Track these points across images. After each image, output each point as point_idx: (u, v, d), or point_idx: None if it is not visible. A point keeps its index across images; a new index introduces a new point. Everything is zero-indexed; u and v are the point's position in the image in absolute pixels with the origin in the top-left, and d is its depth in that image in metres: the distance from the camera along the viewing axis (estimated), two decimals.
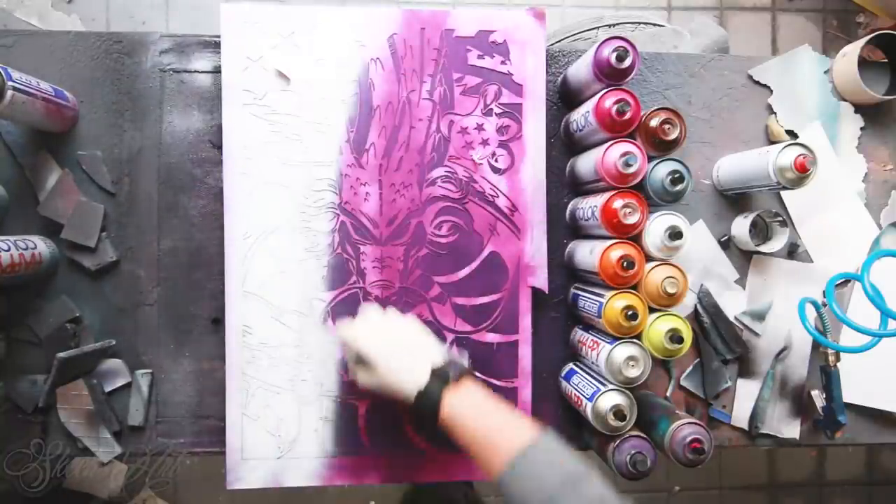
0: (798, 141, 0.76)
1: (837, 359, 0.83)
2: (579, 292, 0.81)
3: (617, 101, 0.71)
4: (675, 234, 0.72)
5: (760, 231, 0.86)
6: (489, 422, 0.61)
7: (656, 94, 0.87)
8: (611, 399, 0.71)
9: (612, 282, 0.73)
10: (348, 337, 0.70)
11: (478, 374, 0.81)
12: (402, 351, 0.68)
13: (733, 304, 0.87)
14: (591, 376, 0.77)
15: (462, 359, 0.80)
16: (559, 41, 1.14)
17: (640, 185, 0.74)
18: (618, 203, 0.72)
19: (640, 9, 1.84)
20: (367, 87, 0.79)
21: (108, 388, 0.80)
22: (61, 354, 0.74)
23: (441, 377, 0.64)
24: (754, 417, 0.86)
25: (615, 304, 0.72)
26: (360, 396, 0.79)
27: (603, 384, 0.73)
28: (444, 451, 0.80)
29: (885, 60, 0.91)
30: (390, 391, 0.67)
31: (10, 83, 0.66)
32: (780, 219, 0.84)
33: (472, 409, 0.62)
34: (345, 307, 0.79)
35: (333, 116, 0.79)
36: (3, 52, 0.80)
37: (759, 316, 0.87)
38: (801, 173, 0.73)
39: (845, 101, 0.89)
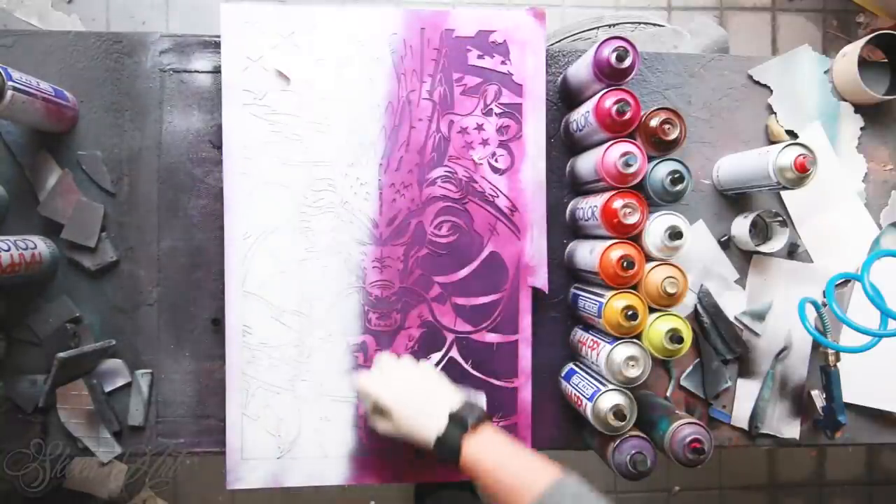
0: (798, 141, 0.76)
1: (837, 359, 0.83)
2: (579, 292, 0.81)
3: (617, 101, 0.71)
4: (675, 234, 0.72)
5: (760, 231, 0.86)
6: (510, 466, 0.62)
7: (656, 94, 0.87)
8: (611, 399, 0.71)
9: (612, 282, 0.73)
10: (365, 388, 0.71)
11: (478, 373, 0.81)
12: (419, 398, 0.68)
13: (733, 304, 0.87)
14: (591, 376, 0.77)
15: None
16: (559, 41, 1.14)
17: (640, 185, 0.74)
18: (618, 203, 0.72)
19: (640, 9, 1.84)
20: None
21: (108, 388, 0.80)
22: (61, 354, 0.74)
23: (459, 422, 0.64)
24: (754, 417, 0.86)
25: (615, 304, 0.72)
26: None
27: (603, 384, 0.73)
28: None
29: (885, 60, 0.91)
30: (410, 439, 0.67)
31: (10, 83, 0.66)
32: (780, 219, 0.84)
33: (492, 454, 0.63)
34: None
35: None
36: (3, 52, 0.80)
37: (759, 316, 0.87)
38: (801, 173, 0.73)
39: (845, 101, 0.89)
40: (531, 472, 0.60)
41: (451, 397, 0.68)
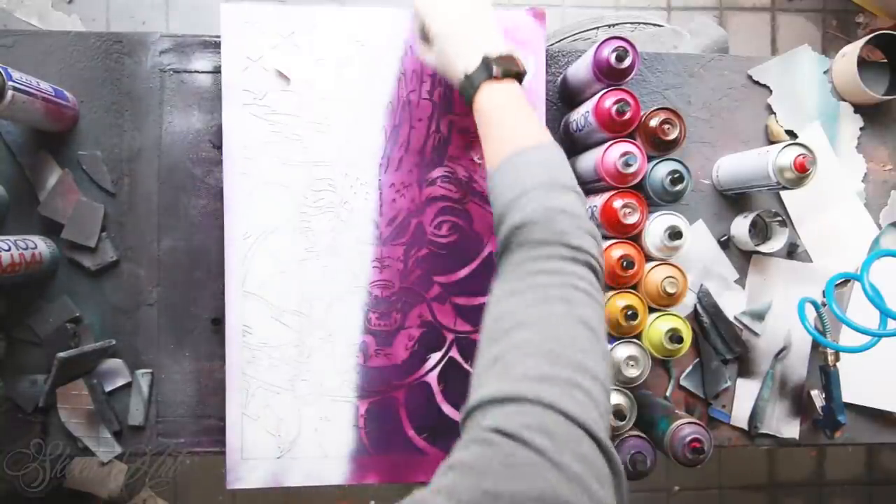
0: (798, 141, 0.76)
1: (837, 359, 0.83)
2: None
3: (617, 101, 0.71)
4: (675, 234, 0.72)
5: (760, 231, 0.86)
6: (507, 119, 0.60)
7: (656, 94, 0.87)
8: (611, 399, 0.71)
9: (612, 282, 0.73)
10: (420, 7, 0.69)
11: None
12: (462, 30, 0.66)
13: (733, 304, 0.87)
14: None
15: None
16: (559, 41, 1.14)
17: (640, 185, 0.74)
18: (618, 203, 0.72)
19: (640, 9, 1.84)
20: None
21: (108, 388, 0.80)
22: (61, 354, 0.74)
23: (488, 68, 0.62)
24: (754, 417, 0.86)
25: (615, 303, 0.72)
26: (362, 396, 0.80)
27: None
28: (444, 452, 0.80)
29: (885, 60, 0.91)
30: (443, 71, 0.67)
31: (10, 83, 0.66)
32: (779, 219, 0.84)
33: (497, 105, 0.61)
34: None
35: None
36: (3, 52, 0.80)
37: (759, 316, 0.87)
38: (801, 173, 0.73)
39: (845, 101, 0.89)
40: (521, 131, 0.59)
41: (493, 41, 0.65)
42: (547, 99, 0.83)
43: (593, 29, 1.12)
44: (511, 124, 0.60)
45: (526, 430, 0.38)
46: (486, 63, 0.62)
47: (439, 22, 0.67)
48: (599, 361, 0.45)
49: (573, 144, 0.83)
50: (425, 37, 0.69)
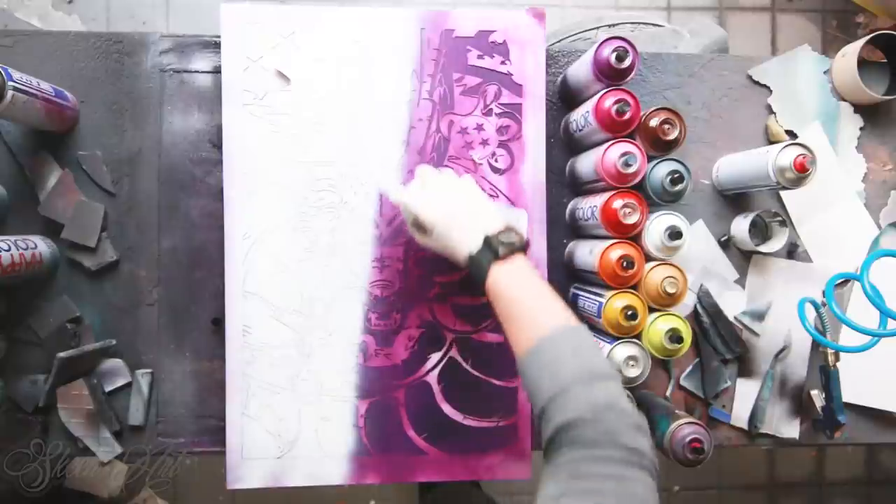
0: (797, 141, 0.76)
1: (837, 359, 0.83)
2: (579, 292, 0.81)
3: (617, 101, 0.71)
4: (675, 234, 0.72)
5: (760, 231, 0.86)
6: (524, 301, 0.61)
7: (656, 94, 0.87)
8: None
9: (612, 282, 0.73)
10: (404, 201, 0.70)
11: (478, 373, 0.81)
12: (457, 215, 0.67)
13: (733, 304, 0.87)
14: None
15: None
16: (559, 41, 1.14)
17: (640, 185, 0.74)
18: (618, 203, 0.72)
19: (640, 9, 1.84)
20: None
21: (108, 388, 0.80)
22: (61, 354, 0.74)
23: (492, 247, 0.63)
24: (754, 417, 0.86)
25: (615, 303, 0.72)
26: (362, 396, 0.79)
27: None
28: (444, 452, 0.80)
29: (885, 60, 0.91)
30: (445, 254, 0.68)
31: (10, 83, 0.66)
32: (779, 219, 0.84)
33: (514, 285, 0.62)
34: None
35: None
36: (4, 52, 0.80)
37: (759, 316, 0.87)
38: (801, 173, 0.73)
39: (845, 101, 0.89)
40: (541, 313, 0.59)
41: (491, 219, 0.66)
42: (547, 99, 0.83)
43: (593, 29, 1.12)
44: (530, 306, 0.60)
45: None
46: (489, 243, 0.63)
47: (433, 215, 0.67)
48: None
49: (573, 144, 0.83)
50: (419, 225, 0.70)
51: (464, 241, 0.65)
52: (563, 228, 0.85)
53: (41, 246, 0.76)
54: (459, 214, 0.67)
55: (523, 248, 0.65)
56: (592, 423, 0.50)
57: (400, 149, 0.80)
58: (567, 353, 0.55)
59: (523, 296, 0.61)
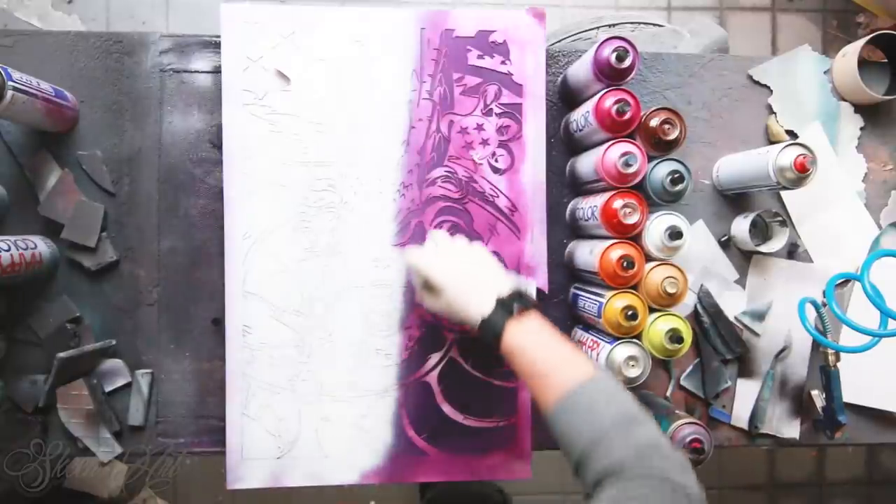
0: (798, 141, 0.76)
1: (837, 359, 0.83)
2: (579, 292, 0.81)
3: (617, 101, 0.71)
4: (675, 234, 0.72)
5: (760, 231, 0.86)
6: (548, 356, 0.61)
7: (656, 94, 0.87)
8: None
9: (612, 282, 0.73)
10: (416, 263, 0.71)
11: (478, 373, 0.81)
12: (469, 279, 0.68)
13: (733, 304, 0.87)
14: None
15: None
16: (559, 41, 1.14)
17: (640, 185, 0.74)
18: (618, 203, 0.72)
19: (640, 9, 1.84)
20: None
21: (108, 388, 0.80)
22: (61, 354, 0.74)
23: (505, 308, 0.64)
24: (754, 417, 0.86)
25: (615, 304, 0.72)
26: (363, 396, 0.79)
27: None
28: (444, 452, 0.80)
29: (885, 60, 0.91)
30: (456, 318, 0.68)
31: (10, 83, 0.66)
32: (779, 219, 0.84)
33: (532, 342, 0.62)
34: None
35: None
36: (4, 52, 0.80)
37: (759, 316, 0.87)
38: (801, 173, 0.73)
39: (845, 101, 0.89)
40: (566, 366, 0.60)
41: (501, 282, 0.67)
42: (547, 99, 0.83)
43: (593, 29, 1.12)
44: (554, 360, 0.61)
45: None
46: (502, 304, 0.64)
47: (442, 277, 0.68)
48: None
49: (573, 144, 0.83)
50: (427, 286, 0.70)
51: (474, 305, 0.66)
52: (564, 228, 0.85)
53: (41, 246, 0.76)
54: (469, 275, 0.68)
55: (537, 306, 0.66)
56: (639, 463, 0.50)
57: (400, 149, 0.80)
58: (601, 401, 0.56)
59: (546, 351, 0.62)
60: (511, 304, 0.64)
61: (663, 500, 0.47)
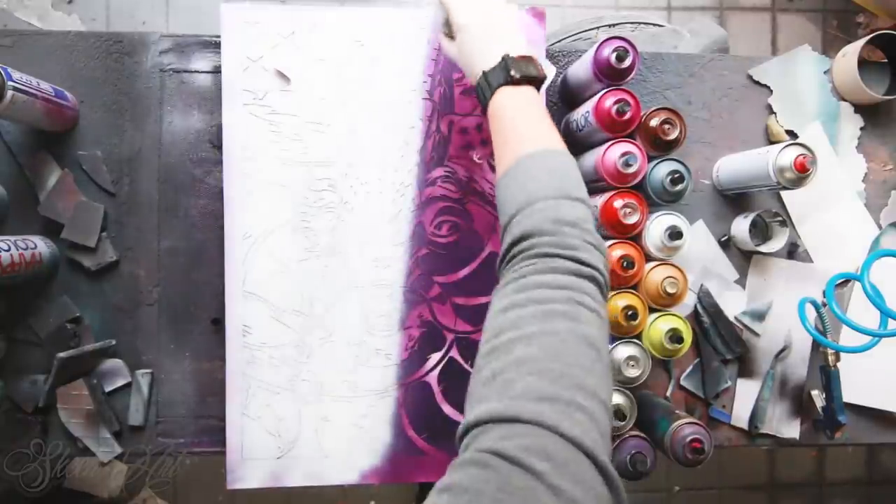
0: (798, 141, 0.76)
1: (837, 359, 0.83)
2: None
3: (617, 101, 0.71)
4: (675, 234, 0.72)
5: (760, 231, 0.86)
6: (519, 124, 0.59)
7: (656, 94, 0.87)
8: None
9: (613, 282, 0.73)
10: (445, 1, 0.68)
11: None
12: (486, 28, 0.65)
13: (733, 304, 0.87)
14: None
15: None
16: (559, 41, 1.14)
17: (640, 185, 0.74)
18: (618, 203, 0.72)
19: (640, 9, 1.84)
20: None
21: (108, 388, 0.80)
22: (61, 354, 0.74)
23: (507, 68, 0.61)
24: (754, 417, 0.86)
25: (615, 303, 0.72)
26: (362, 396, 0.79)
27: None
28: (444, 452, 0.80)
29: (885, 60, 0.91)
30: (462, 64, 0.67)
31: (10, 83, 0.66)
32: (779, 219, 0.84)
33: (513, 109, 0.60)
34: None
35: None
36: (4, 52, 0.80)
37: (759, 316, 0.87)
38: (801, 173, 0.73)
39: (845, 101, 0.89)
40: (532, 134, 0.57)
41: (515, 43, 0.63)
42: (547, 99, 0.83)
43: (593, 29, 1.12)
44: (523, 129, 0.58)
45: (524, 453, 0.37)
46: (505, 63, 0.61)
47: (464, 14, 0.66)
48: (602, 380, 0.43)
49: (573, 144, 0.83)
50: (448, 30, 0.69)
51: (482, 54, 0.63)
52: None
53: (41, 246, 0.76)
54: (488, 21, 0.65)
55: (538, 80, 0.62)
56: (550, 236, 0.49)
57: (400, 149, 0.80)
58: (542, 172, 0.54)
59: (519, 120, 0.59)
60: (511, 68, 0.60)
61: (566, 277, 0.47)
